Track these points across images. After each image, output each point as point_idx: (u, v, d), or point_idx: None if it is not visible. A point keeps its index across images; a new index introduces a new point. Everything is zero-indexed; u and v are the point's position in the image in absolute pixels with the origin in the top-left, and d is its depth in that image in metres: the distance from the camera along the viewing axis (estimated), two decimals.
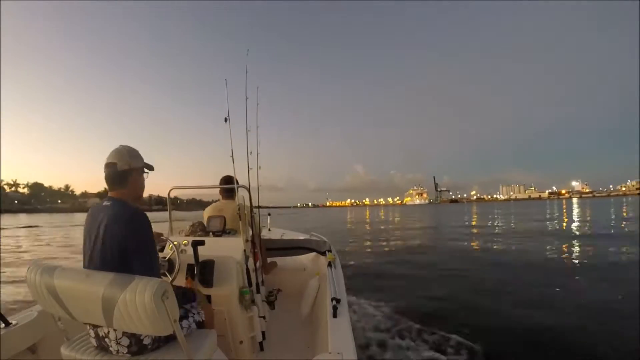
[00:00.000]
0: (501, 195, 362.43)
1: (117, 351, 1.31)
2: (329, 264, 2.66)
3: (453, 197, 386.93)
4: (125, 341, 1.30)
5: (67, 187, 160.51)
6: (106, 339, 1.32)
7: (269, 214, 5.21)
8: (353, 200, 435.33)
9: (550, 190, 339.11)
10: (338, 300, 1.81)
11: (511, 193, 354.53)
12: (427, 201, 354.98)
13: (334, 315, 1.69)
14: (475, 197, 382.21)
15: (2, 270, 7.41)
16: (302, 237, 4.07)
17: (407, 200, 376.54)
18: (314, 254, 3.49)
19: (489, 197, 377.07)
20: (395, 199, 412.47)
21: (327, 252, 3.06)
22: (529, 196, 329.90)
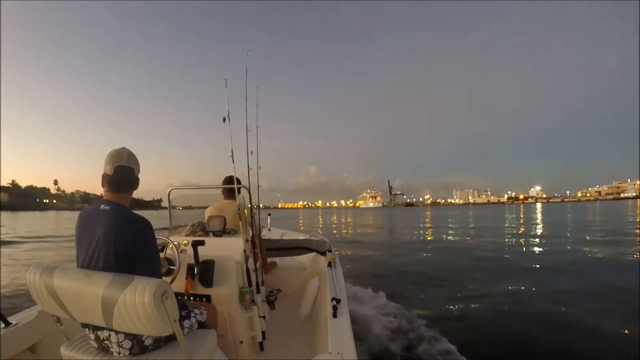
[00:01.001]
0: (457, 199, 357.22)
1: (119, 352, 1.31)
2: (329, 264, 2.69)
3: (408, 200, 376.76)
4: (127, 344, 1.29)
5: None
6: (106, 342, 1.31)
7: (269, 214, 5.16)
8: (305, 202, 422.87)
9: (508, 195, 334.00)
10: (338, 300, 1.83)
11: (470, 197, 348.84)
12: (381, 204, 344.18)
13: (334, 315, 1.71)
14: (429, 200, 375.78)
15: None
16: (302, 237, 4.09)
17: (360, 203, 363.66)
18: (314, 254, 3.51)
19: (444, 201, 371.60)
20: (348, 202, 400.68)
21: (327, 252, 3.09)
22: (488, 200, 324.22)
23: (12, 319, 1.65)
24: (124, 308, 1.07)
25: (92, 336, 1.34)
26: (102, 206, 1.33)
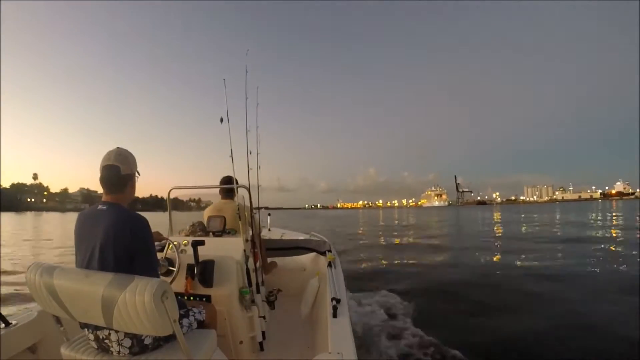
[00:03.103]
0: (534, 197, 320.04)
1: (119, 352, 1.31)
2: (329, 264, 2.65)
3: (479, 198, 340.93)
4: (127, 342, 1.30)
5: None
6: (106, 341, 1.32)
7: (269, 214, 5.21)
8: (365, 202, 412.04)
9: (601, 190, 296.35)
10: (338, 300, 1.81)
11: (556, 193, 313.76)
12: (446, 203, 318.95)
13: (334, 315, 1.69)
14: (498, 199, 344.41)
15: None
16: (302, 237, 4.06)
17: (424, 202, 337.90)
18: (314, 254, 3.48)
19: (517, 198, 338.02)
20: (410, 201, 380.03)
21: (327, 252, 3.06)
22: (579, 197, 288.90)
23: (12, 319, 1.65)
24: (124, 308, 1.08)
25: (92, 336, 1.35)
26: (100, 206, 1.36)
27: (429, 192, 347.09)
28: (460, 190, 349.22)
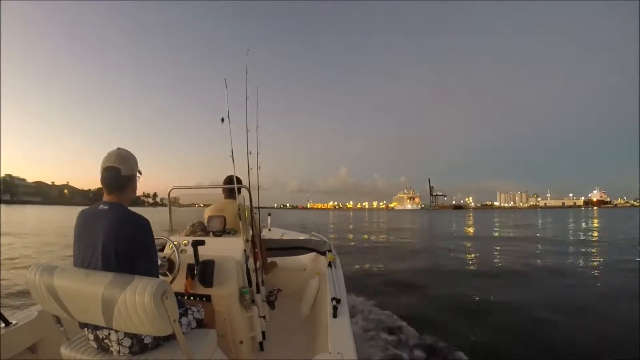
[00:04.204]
0: (512, 202, 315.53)
1: (119, 352, 1.31)
2: (329, 264, 2.66)
3: (454, 202, 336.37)
4: (127, 342, 1.30)
5: None
6: (106, 341, 1.32)
7: (270, 214, 5.20)
8: (336, 203, 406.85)
9: (585, 198, 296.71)
10: (338, 300, 1.82)
11: (539, 199, 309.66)
12: (419, 206, 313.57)
13: (334, 315, 1.70)
14: (472, 204, 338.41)
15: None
16: (302, 237, 4.06)
17: (395, 204, 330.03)
18: (314, 254, 3.49)
19: (495, 204, 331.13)
20: (381, 203, 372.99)
21: (327, 252, 3.07)
22: (562, 204, 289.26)
23: (12, 319, 1.65)
24: (124, 308, 1.08)
25: (91, 336, 1.35)
26: (101, 206, 1.35)
27: (402, 195, 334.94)
28: (434, 194, 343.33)
